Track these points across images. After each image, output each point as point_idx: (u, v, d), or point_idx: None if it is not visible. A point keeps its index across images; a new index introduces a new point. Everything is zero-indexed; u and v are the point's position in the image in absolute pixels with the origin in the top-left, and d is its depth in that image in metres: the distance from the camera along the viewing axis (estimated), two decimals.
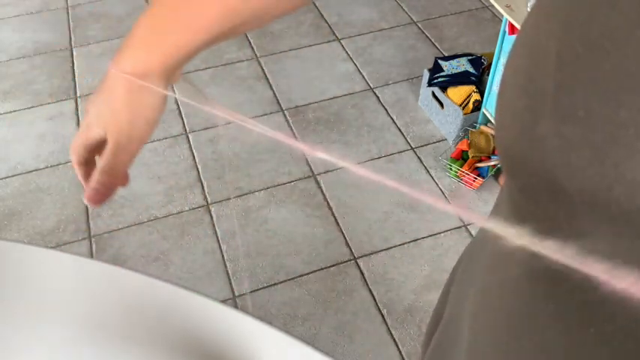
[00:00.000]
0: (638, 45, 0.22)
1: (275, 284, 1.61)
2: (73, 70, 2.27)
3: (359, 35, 2.42)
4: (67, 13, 2.55)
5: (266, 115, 2.09)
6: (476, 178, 1.81)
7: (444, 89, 1.96)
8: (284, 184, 1.85)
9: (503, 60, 1.75)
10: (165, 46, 0.46)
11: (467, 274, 0.48)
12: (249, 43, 2.39)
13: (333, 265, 1.65)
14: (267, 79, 2.23)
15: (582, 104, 0.24)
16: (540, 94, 0.26)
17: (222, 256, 1.67)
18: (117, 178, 0.50)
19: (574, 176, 0.25)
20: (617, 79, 0.23)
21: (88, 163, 0.51)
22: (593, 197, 0.24)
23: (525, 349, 0.35)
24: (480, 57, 1.99)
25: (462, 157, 1.87)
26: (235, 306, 1.57)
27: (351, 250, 1.68)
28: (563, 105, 0.25)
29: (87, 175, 0.51)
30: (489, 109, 1.85)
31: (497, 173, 1.85)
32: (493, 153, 1.85)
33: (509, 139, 0.29)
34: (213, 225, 1.75)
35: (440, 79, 1.97)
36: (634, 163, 0.23)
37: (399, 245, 1.69)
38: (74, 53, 2.35)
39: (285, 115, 2.08)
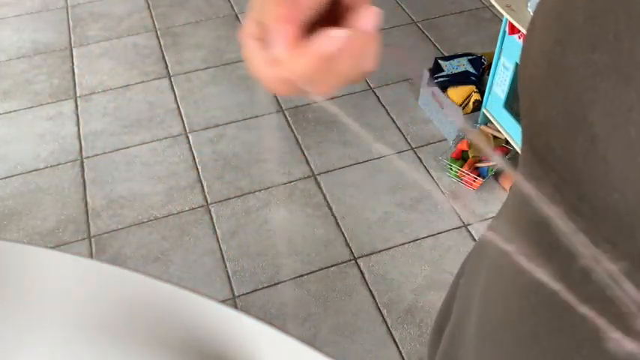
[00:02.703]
0: None
1: (275, 284, 1.61)
2: (73, 70, 2.27)
3: None
4: (67, 13, 2.55)
5: (266, 115, 2.09)
6: (476, 178, 1.81)
7: (444, 89, 1.96)
8: (284, 184, 1.85)
9: (503, 60, 1.74)
10: None
11: (475, 268, 0.48)
12: None
13: (333, 265, 1.65)
14: None
15: (611, 29, 0.25)
16: (569, 27, 0.27)
17: (222, 256, 1.67)
18: None
19: (597, 101, 0.25)
20: None
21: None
22: (614, 120, 0.25)
23: (530, 355, 0.34)
24: (480, 57, 1.99)
25: (462, 157, 1.87)
26: (235, 306, 1.57)
27: (351, 250, 1.68)
28: (591, 33, 0.26)
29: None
30: (489, 109, 1.85)
31: (497, 173, 1.85)
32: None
33: (536, 73, 0.30)
34: (213, 225, 1.74)
35: (440, 79, 1.97)
36: None
37: (399, 245, 1.69)
38: (74, 53, 2.35)
39: (285, 115, 2.08)
